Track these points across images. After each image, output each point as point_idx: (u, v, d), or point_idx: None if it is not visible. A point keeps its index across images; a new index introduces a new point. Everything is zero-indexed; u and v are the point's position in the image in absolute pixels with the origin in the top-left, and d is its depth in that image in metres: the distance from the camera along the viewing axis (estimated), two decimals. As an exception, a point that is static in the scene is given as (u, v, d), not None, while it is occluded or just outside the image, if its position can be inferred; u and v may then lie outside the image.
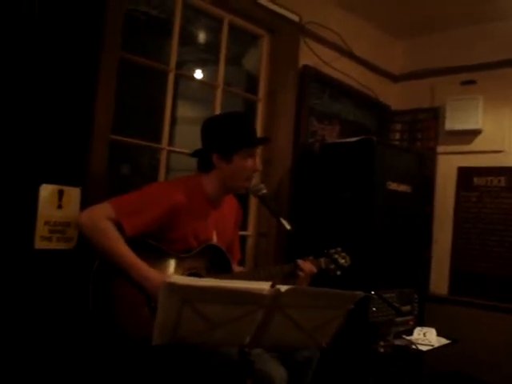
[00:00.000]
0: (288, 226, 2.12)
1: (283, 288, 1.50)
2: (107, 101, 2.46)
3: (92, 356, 2.25)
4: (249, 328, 1.59)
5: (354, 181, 3.14)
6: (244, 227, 3.21)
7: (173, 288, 1.48)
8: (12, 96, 2.13)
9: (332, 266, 2.38)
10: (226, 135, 2.20)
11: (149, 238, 2.08)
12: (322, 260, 2.37)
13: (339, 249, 2.45)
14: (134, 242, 2.01)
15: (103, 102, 2.43)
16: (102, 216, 1.99)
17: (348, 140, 3.27)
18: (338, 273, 2.39)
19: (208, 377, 2.03)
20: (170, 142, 3.00)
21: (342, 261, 2.41)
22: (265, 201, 2.24)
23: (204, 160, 2.24)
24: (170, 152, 2.99)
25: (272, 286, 1.50)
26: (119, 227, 2.00)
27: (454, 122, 3.94)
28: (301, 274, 2.28)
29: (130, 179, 4.09)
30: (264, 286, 1.51)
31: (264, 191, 2.22)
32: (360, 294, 1.61)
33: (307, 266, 2.31)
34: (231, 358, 1.81)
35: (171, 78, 2.92)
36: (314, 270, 2.32)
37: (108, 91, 2.46)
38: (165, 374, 2.05)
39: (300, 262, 2.31)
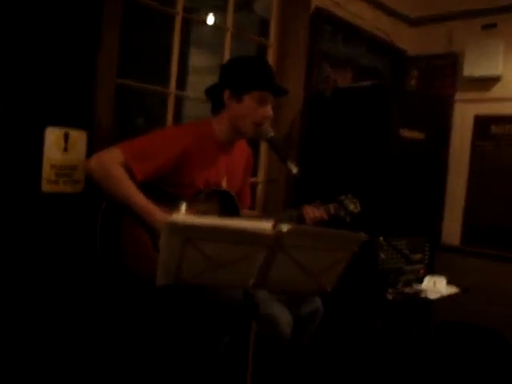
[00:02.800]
0: (294, 170, 2.08)
1: (285, 228, 1.48)
2: (112, 43, 2.40)
3: (100, 297, 2.28)
4: (252, 269, 1.58)
5: (366, 126, 3.07)
6: (254, 173, 3.19)
7: (174, 227, 1.47)
8: (16, 40, 2.09)
9: (342, 213, 2.35)
10: (242, 74, 2.16)
11: (159, 182, 2.07)
12: (331, 206, 2.33)
13: (349, 195, 2.40)
14: (144, 187, 2.00)
15: (108, 44, 2.37)
16: (111, 161, 1.97)
17: (360, 84, 3.19)
18: (348, 219, 2.36)
19: (213, 318, 2.05)
20: (180, 88, 2.94)
21: (352, 207, 2.36)
22: (272, 144, 2.20)
23: (216, 98, 2.21)
24: (178, 98, 2.95)
25: (274, 226, 1.49)
26: (129, 172, 1.98)
27: (473, 68, 3.80)
28: (308, 218, 2.26)
29: (140, 126, 4.07)
30: (266, 226, 1.49)
31: (271, 134, 2.19)
32: (363, 235, 1.58)
33: (315, 211, 2.28)
34: (236, 299, 1.82)
35: (178, 21, 2.84)
36: (324, 215, 2.29)
37: (113, 32, 2.40)
38: (170, 315, 2.08)
39: (308, 206, 2.28)
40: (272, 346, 1.97)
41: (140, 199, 1.96)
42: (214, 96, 2.23)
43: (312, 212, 2.24)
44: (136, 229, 1.99)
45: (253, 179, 3.15)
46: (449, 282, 3.20)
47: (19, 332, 2.15)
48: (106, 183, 1.96)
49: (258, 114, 2.14)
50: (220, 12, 3.61)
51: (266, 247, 1.52)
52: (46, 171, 2.22)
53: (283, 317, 2.03)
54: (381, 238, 2.10)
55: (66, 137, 2.27)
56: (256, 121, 2.15)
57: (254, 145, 2.61)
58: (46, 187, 2.22)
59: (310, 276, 1.65)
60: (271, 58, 3.32)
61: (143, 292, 1.96)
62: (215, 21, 3.86)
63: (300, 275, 1.64)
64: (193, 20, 3.19)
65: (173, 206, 2.09)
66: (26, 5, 2.10)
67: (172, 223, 1.47)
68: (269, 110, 2.16)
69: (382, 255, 2.80)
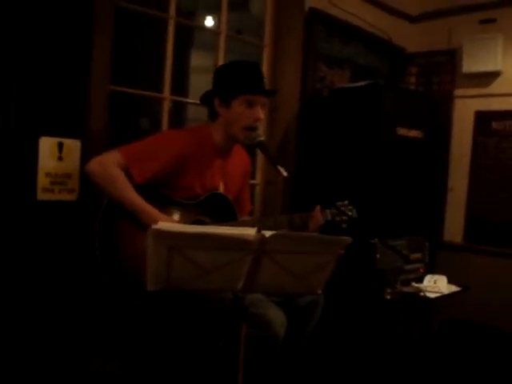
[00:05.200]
0: (285, 173, 2.08)
1: (268, 233, 1.50)
2: (104, 50, 2.41)
3: (96, 303, 2.31)
4: (239, 274, 1.60)
5: (362, 126, 3.06)
6: (252, 176, 3.20)
7: (159, 234, 1.49)
8: (8, 49, 2.11)
9: (338, 219, 2.37)
10: (227, 80, 2.19)
11: (156, 185, 2.10)
12: (328, 211, 2.36)
13: (346, 202, 2.43)
14: (142, 189, 2.04)
15: (100, 52, 2.39)
16: (111, 163, 2.02)
17: (356, 84, 3.18)
18: (344, 226, 2.37)
19: (202, 322, 2.06)
20: (181, 91, 2.95)
21: (349, 214, 2.38)
22: (262, 148, 2.20)
23: (210, 106, 2.24)
24: (174, 101, 2.97)
25: (257, 232, 1.50)
26: (128, 175, 2.03)
27: (471, 63, 3.78)
28: (311, 225, 2.28)
29: (145, 131, 4.10)
30: (249, 232, 1.51)
31: (260, 138, 2.19)
32: (347, 239, 1.59)
33: (316, 216, 2.30)
34: (225, 303, 1.83)
35: (171, 26, 2.85)
36: (321, 220, 2.31)
37: (104, 40, 2.42)
38: (161, 319, 2.10)
39: (309, 213, 2.31)
40: (265, 348, 1.97)
41: (139, 201, 2.01)
42: (208, 103, 2.25)
43: (313, 218, 2.27)
44: (133, 230, 2.01)
45: (251, 181, 3.16)
46: (451, 281, 3.19)
47: (17, 341, 2.18)
48: (106, 185, 2.01)
49: (247, 118, 2.15)
50: (218, 12, 3.64)
51: (251, 253, 1.54)
52: (41, 180, 2.25)
53: (276, 318, 2.01)
54: (376, 240, 2.09)
55: (61, 146, 2.30)
56: (247, 124, 2.16)
57: (251, 148, 2.62)
58: (41, 196, 2.25)
59: (297, 279, 1.66)
60: (266, 58, 3.33)
61: (137, 294, 1.97)
62: (213, 22, 3.87)
63: (288, 278, 1.65)
64: (187, 24, 3.19)
65: (168, 209, 2.11)
66: (18, 16, 2.12)
67: (156, 231, 1.49)
68: (258, 112, 2.17)
69: (378, 256, 2.79)
